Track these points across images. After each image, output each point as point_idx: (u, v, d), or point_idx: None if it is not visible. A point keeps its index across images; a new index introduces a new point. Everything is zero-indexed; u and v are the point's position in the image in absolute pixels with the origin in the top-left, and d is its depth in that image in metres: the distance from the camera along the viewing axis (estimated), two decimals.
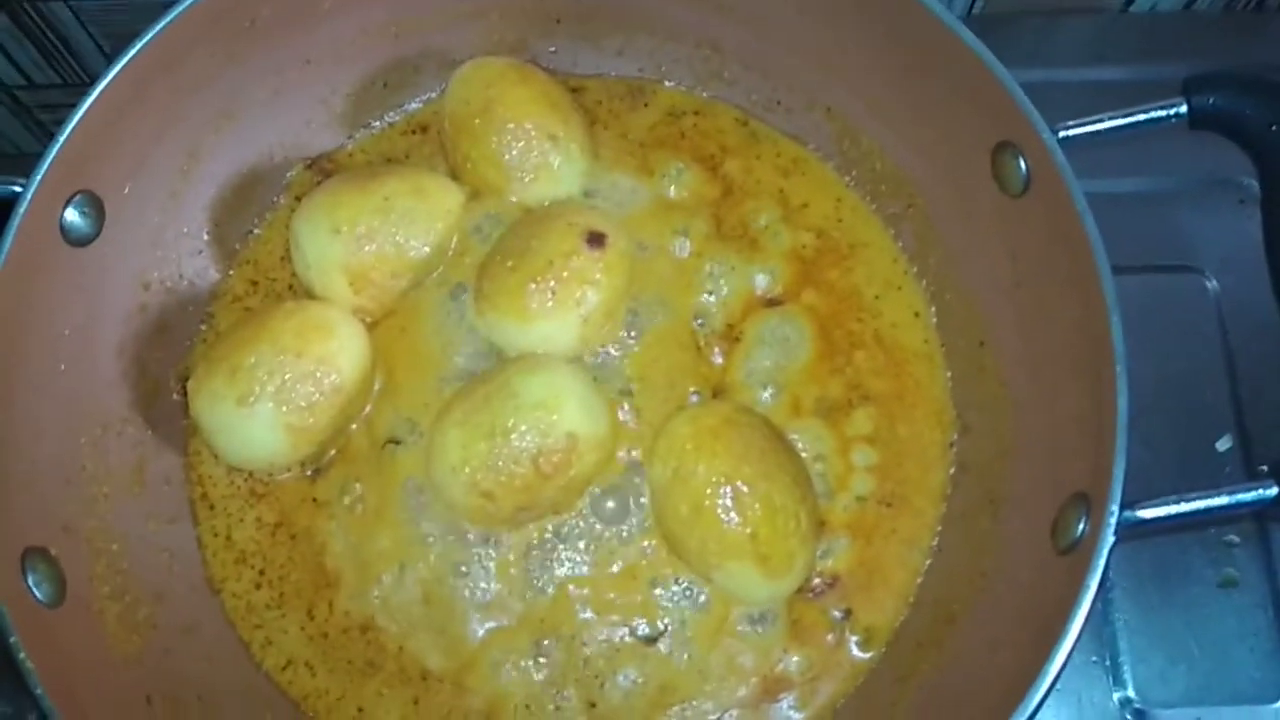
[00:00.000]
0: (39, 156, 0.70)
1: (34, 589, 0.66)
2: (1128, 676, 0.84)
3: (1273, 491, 0.62)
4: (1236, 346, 0.93)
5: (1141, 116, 0.70)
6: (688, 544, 0.73)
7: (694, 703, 0.74)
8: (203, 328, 0.83)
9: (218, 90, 0.80)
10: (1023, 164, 0.72)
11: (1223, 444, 0.89)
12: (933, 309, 0.82)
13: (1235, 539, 0.87)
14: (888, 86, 0.81)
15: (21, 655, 0.61)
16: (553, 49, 0.88)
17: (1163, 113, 0.69)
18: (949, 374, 0.81)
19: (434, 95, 0.88)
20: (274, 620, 0.76)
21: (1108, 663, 0.85)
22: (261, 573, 0.77)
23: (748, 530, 0.71)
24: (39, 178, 0.69)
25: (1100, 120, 0.70)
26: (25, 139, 1.23)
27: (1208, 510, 0.63)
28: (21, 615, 0.63)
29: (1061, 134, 0.69)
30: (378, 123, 0.88)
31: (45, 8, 1.04)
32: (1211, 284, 0.95)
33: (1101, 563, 0.61)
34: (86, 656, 0.68)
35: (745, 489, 0.72)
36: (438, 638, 0.75)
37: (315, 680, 0.75)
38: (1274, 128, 0.67)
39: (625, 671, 0.74)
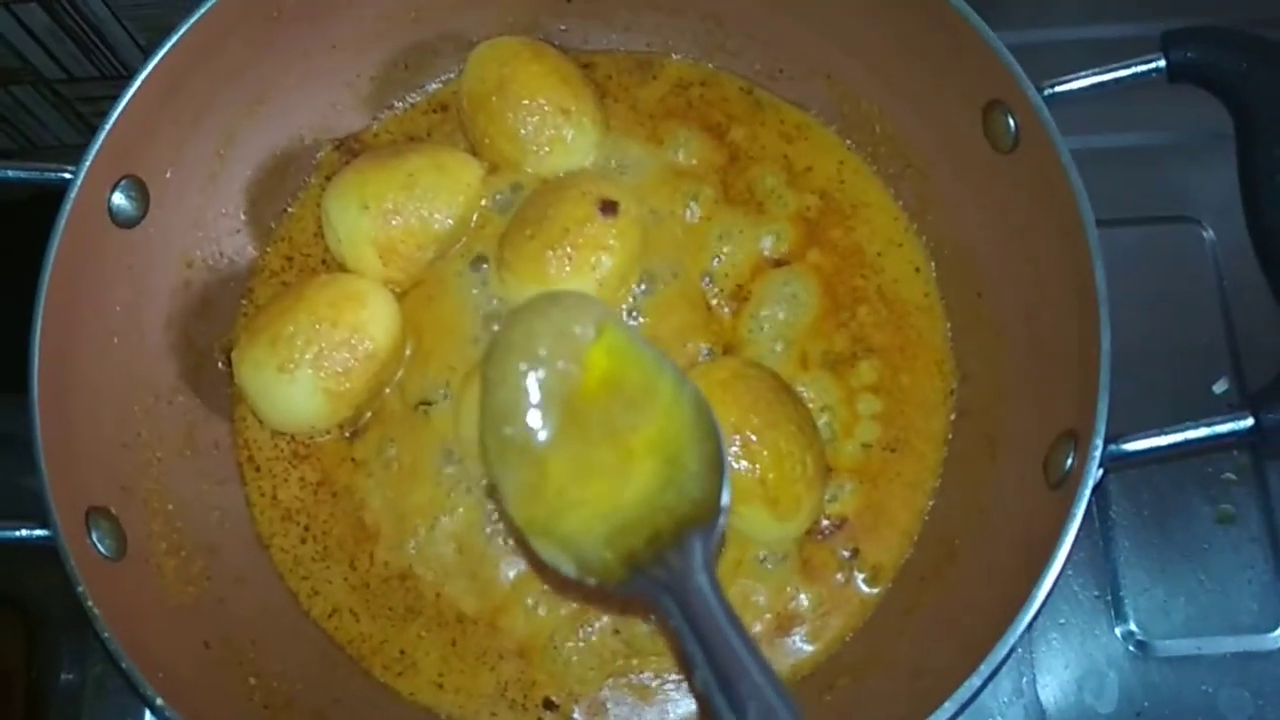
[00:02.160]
0: (81, 147, 0.75)
1: (98, 544, 0.71)
2: (1129, 610, 0.88)
3: (1248, 422, 0.66)
4: (1232, 293, 0.96)
5: (1123, 72, 0.73)
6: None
7: None
8: (243, 302, 0.88)
9: (250, 77, 0.85)
10: (1011, 121, 0.75)
11: (1219, 387, 0.93)
12: (932, 264, 0.86)
13: (1233, 476, 0.91)
14: (884, 52, 0.84)
15: (89, 603, 0.67)
16: (564, 27, 0.92)
17: (1143, 67, 0.73)
18: (949, 325, 0.85)
19: (452, 76, 0.92)
20: (319, 571, 0.81)
21: (1109, 597, 0.89)
22: (306, 528, 0.82)
23: (756, 476, 0.76)
24: (87, 165, 0.74)
25: (1084, 76, 0.73)
26: (66, 131, 1.29)
27: (1189, 442, 0.67)
28: (87, 567, 0.68)
29: (1047, 91, 0.73)
30: (400, 103, 0.93)
31: (82, 4, 1.09)
32: (1208, 233, 0.98)
33: (1087, 493, 0.65)
34: (147, 605, 0.73)
35: (754, 437, 0.76)
36: (471, 583, 0.80)
37: (360, 626, 0.80)
38: (1248, 78, 0.70)
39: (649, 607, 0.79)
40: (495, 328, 0.84)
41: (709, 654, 0.52)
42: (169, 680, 0.67)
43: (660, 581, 0.55)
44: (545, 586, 0.79)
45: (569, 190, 0.84)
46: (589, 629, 0.78)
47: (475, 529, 0.81)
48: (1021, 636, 0.65)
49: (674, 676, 0.78)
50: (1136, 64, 0.73)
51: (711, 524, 0.58)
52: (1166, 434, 0.67)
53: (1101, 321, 0.67)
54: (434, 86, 0.93)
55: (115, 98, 0.76)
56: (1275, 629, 0.87)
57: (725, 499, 0.58)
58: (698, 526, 0.57)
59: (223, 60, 0.82)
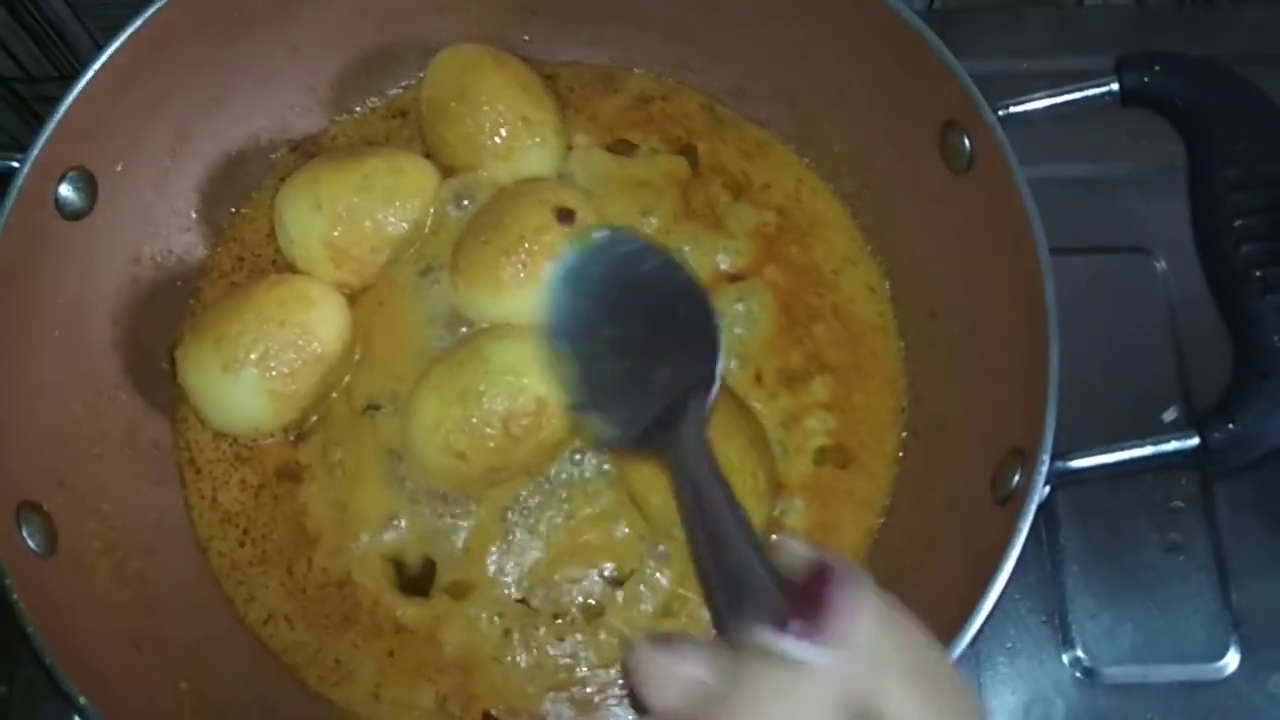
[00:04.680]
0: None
1: (27, 539, 0.69)
2: (1076, 636, 0.88)
3: (1194, 441, 0.66)
4: (1183, 324, 0.97)
5: (1077, 94, 0.74)
6: (651, 501, 0.77)
7: None
8: (191, 301, 0.87)
9: (207, 75, 0.84)
10: (967, 142, 0.76)
11: (1169, 415, 0.93)
12: (887, 284, 0.86)
13: (1180, 504, 0.91)
14: (844, 73, 0.85)
15: (14, 597, 0.65)
16: (527, 38, 0.92)
17: (1097, 90, 0.73)
18: (902, 344, 0.85)
19: (413, 81, 0.92)
20: (257, 576, 0.79)
21: (1057, 623, 0.88)
22: (245, 532, 0.81)
23: None
24: (34, 153, 0.73)
25: (1038, 98, 0.74)
26: (22, 131, 1.26)
27: (1135, 460, 0.67)
28: (16, 563, 0.66)
29: (1001, 112, 0.74)
30: (359, 107, 0.92)
31: (43, 2, 1.08)
32: (1160, 264, 0.99)
33: (1033, 508, 0.65)
34: (77, 604, 0.71)
35: None
36: (411, 593, 0.78)
37: (295, 633, 0.78)
38: (1200, 103, 0.71)
39: (593, 617, 0.78)
40: (445, 334, 0.83)
41: (700, 508, 0.58)
42: (96, 681, 0.65)
43: (665, 439, 0.63)
44: (491, 597, 0.78)
45: (526, 198, 0.83)
46: (531, 642, 0.77)
47: (419, 538, 0.79)
48: (967, 653, 0.65)
49: (616, 691, 0.77)
50: (1090, 86, 0.74)
51: (707, 391, 0.66)
52: (1113, 451, 0.67)
53: (1050, 339, 0.67)
54: (394, 92, 0.93)
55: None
56: (1222, 658, 0.87)
57: (719, 368, 0.67)
58: (695, 394, 0.65)
59: (180, 56, 0.81)
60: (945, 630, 0.65)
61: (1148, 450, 0.66)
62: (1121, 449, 0.67)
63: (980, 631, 0.65)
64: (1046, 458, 0.65)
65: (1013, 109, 0.74)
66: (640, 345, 0.71)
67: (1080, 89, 0.74)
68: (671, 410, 0.65)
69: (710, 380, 0.66)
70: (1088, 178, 1.03)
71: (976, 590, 0.65)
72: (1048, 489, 0.66)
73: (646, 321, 0.71)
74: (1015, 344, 0.72)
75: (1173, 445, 0.66)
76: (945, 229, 0.81)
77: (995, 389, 0.75)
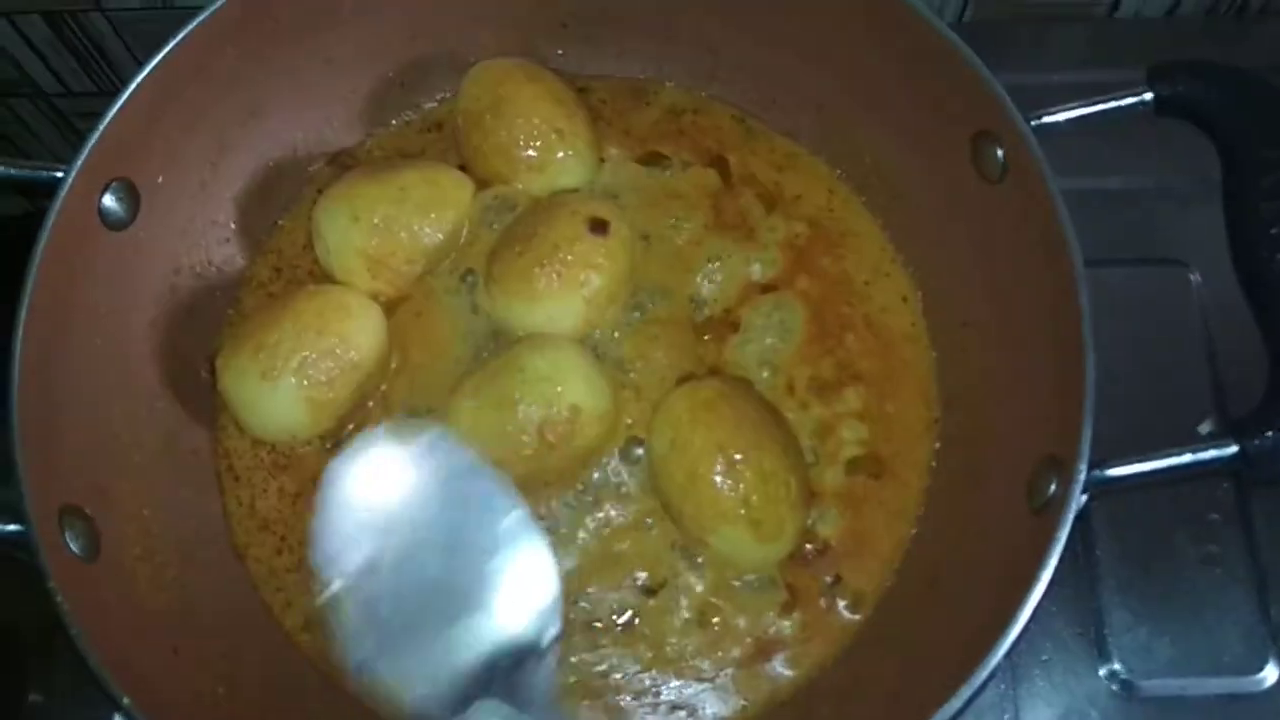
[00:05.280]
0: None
1: (70, 543, 0.70)
2: (1113, 649, 0.87)
3: (1232, 449, 0.66)
4: (1218, 337, 0.96)
5: (1110, 104, 0.74)
6: (685, 510, 0.77)
7: (692, 661, 0.77)
8: (229, 311, 0.88)
9: (246, 88, 0.85)
10: (999, 151, 0.76)
11: (1204, 428, 0.92)
12: (919, 293, 0.87)
13: (1217, 516, 0.90)
14: (875, 83, 0.85)
15: (59, 598, 0.66)
16: (560, 51, 0.93)
17: (1130, 100, 0.74)
18: (934, 353, 0.85)
19: (448, 95, 0.93)
20: (293, 583, 0.80)
21: (1093, 636, 0.88)
22: (283, 539, 0.81)
23: (740, 496, 0.75)
24: (78, 164, 0.74)
25: (1072, 108, 0.74)
26: (61, 145, 1.29)
27: (1172, 469, 0.66)
28: (59, 565, 0.67)
29: (1034, 121, 0.74)
30: (395, 120, 0.93)
31: (84, 18, 1.10)
32: (1195, 277, 0.99)
33: (1070, 517, 0.65)
34: (117, 608, 0.72)
35: (738, 457, 0.76)
36: None
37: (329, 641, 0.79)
38: (1234, 112, 0.71)
39: (627, 625, 0.78)
40: (480, 344, 0.84)
41: None
42: (137, 684, 0.66)
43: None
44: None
45: (560, 209, 0.84)
46: (565, 650, 0.77)
47: None
48: (1003, 665, 0.65)
49: (650, 700, 0.77)
50: (1124, 96, 0.74)
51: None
52: (1150, 460, 0.66)
53: (1085, 346, 0.67)
54: (429, 105, 0.94)
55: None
56: (1260, 670, 0.86)
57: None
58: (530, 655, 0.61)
59: (218, 70, 0.82)
60: (980, 642, 0.65)
61: (1186, 458, 0.66)
62: (1159, 457, 0.67)
63: (1016, 644, 0.64)
64: (1084, 466, 0.65)
65: (1045, 119, 0.74)
66: (444, 587, 0.59)
67: (1113, 99, 0.74)
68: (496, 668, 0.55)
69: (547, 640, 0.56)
70: (1121, 190, 1.03)
71: (1012, 601, 0.65)
72: (1085, 497, 0.66)
73: (451, 553, 0.60)
74: (1049, 353, 0.72)
75: (1211, 454, 0.66)
76: (978, 239, 0.81)
77: (1029, 398, 0.75)
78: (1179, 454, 0.66)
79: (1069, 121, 0.74)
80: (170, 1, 1.07)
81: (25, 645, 1.00)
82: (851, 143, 0.89)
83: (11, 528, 0.67)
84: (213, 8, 0.79)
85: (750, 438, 0.77)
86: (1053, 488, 0.68)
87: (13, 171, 0.75)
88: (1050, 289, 0.72)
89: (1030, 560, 0.65)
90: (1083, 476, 0.65)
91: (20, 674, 0.96)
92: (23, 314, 0.71)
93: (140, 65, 0.78)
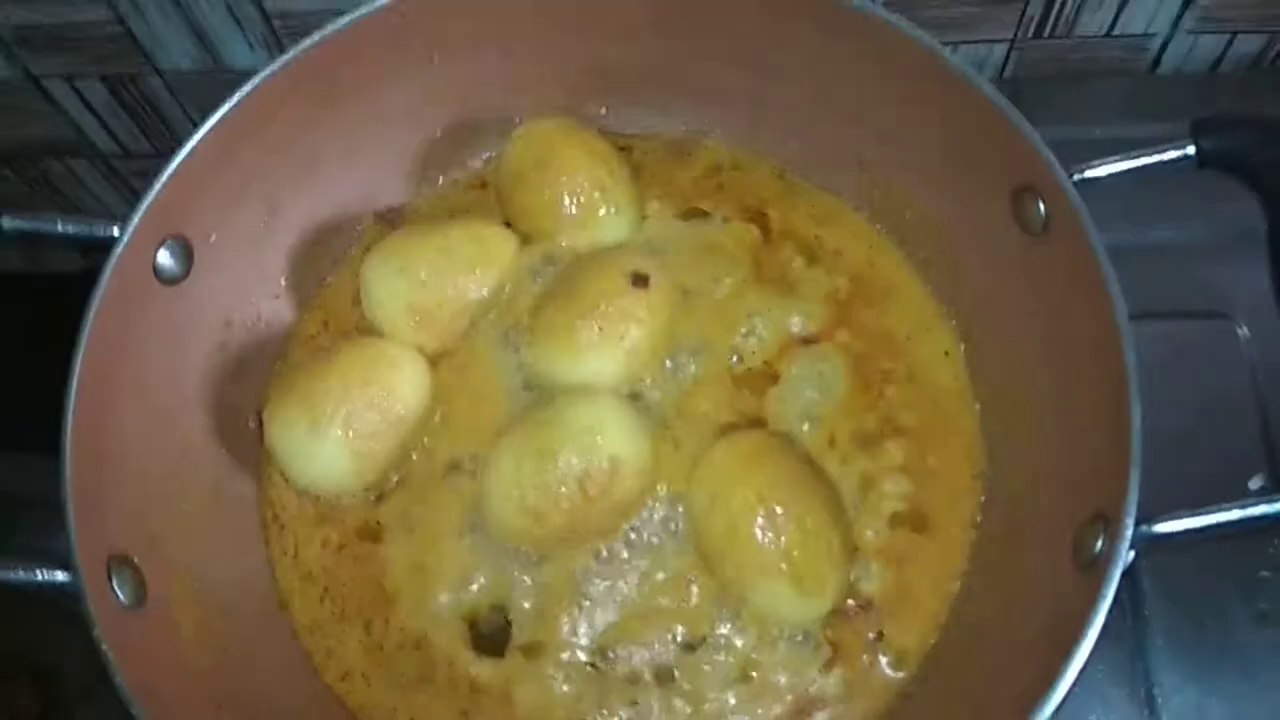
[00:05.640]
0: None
1: (117, 591, 0.71)
2: (1162, 711, 0.85)
3: None
4: (1267, 390, 0.95)
5: (1153, 158, 0.74)
6: (725, 565, 0.77)
7: (731, 718, 0.77)
8: (277, 364, 0.89)
9: (298, 149, 0.87)
10: (1041, 205, 0.76)
11: (1254, 483, 0.91)
12: (962, 347, 0.86)
13: (1267, 574, 0.88)
14: (916, 139, 0.86)
15: (104, 646, 0.66)
16: (603, 111, 0.95)
17: (1173, 154, 0.74)
18: (978, 407, 0.84)
19: (494, 154, 0.94)
20: (335, 633, 0.81)
21: (1142, 696, 0.86)
22: (326, 589, 0.82)
23: (781, 551, 0.75)
24: (134, 222, 0.76)
25: (1114, 162, 0.74)
26: (117, 203, 1.33)
27: (1222, 525, 0.65)
28: (105, 614, 0.68)
29: (1076, 176, 0.74)
30: (442, 178, 0.95)
31: (142, 82, 1.14)
32: (1242, 330, 0.98)
33: (1118, 574, 0.64)
34: (162, 658, 0.73)
35: (780, 511, 0.75)
36: (486, 653, 0.79)
37: (371, 691, 0.79)
38: (1275, 165, 0.71)
39: (666, 680, 0.77)
40: (523, 397, 0.84)
41: None
42: None
43: None
44: (563, 658, 0.78)
45: (602, 263, 0.85)
46: (603, 704, 0.77)
47: (493, 597, 0.80)
48: None
49: None
50: (1167, 149, 0.74)
51: None
52: (1199, 515, 0.65)
53: (1132, 399, 0.67)
54: (476, 163, 0.96)
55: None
56: None
57: None
58: None
59: (272, 131, 0.84)
60: (1026, 703, 0.64)
61: (1235, 514, 0.65)
62: (1209, 513, 0.66)
63: (1062, 705, 0.63)
64: (1130, 522, 0.64)
65: (1088, 173, 0.74)
66: None
67: (1156, 152, 0.74)
68: None
69: None
70: (1165, 243, 1.02)
71: (1058, 659, 0.64)
72: (1132, 554, 0.65)
73: None
74: (1095, 408, 0.72)
75: (1262, 509, 0.65)
76: (1021, 293, 0.81)
77: (1075, 453, 0.74)
78: (1229, 509, 0.65)
79: (1112, 176, 0.74)
80: (225, 65, 1.10)
81: (70, 693, 1.01)
82: (892, 198, 0.89)
83: (59, 577, 0.69)
84: (268, 71, 0.81)
85: (792, 491, 0.76)
86: (1099, 544, 0.67)
87: (70, 229, 0.77)
88: (1095, 344, 0.72)
89: (1077, 619, 0.64)
90: (1129, 533, 0.64)
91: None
92: (77, 366, 0.73)
93: (196, 126, 0.80)
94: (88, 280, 0.75)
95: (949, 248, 0.87)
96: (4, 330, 1.17)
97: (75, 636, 0.69)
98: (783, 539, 0.75)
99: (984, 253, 0.84)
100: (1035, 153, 0.75)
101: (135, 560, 0.74)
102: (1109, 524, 0.66)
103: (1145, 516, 0.65)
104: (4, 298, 1.22)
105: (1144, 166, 0.74)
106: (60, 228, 0.78)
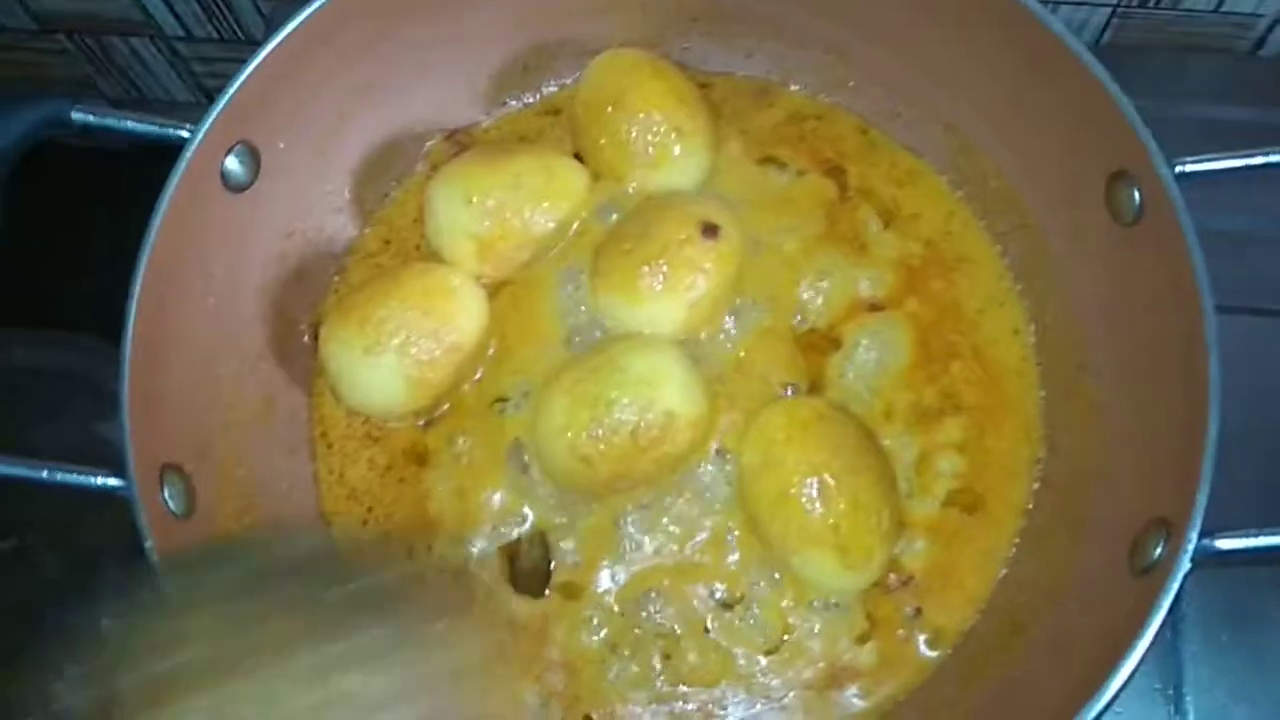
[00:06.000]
0: (190, 105, 0.77)
1: (168, 500, 0.72)
2: (1190, 707, 0.85)
3: None
4: None
5: (1262, 159, 0.71)
6: (771, 528, 0.77)
7: (761, 679, 0.77)
8: (336, 279, 0.88)
9: (371, 60, 0.85)
10: (1137, 195, 0.73)
11: None
12: (1032, 327, 0.84)
13: None
14: (1009, 108, 0.83)
15: (154, 557, 0.67)
16: (686, 46, 0.92)
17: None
18: (1042, 393, 0.83)
19: (568, 81, 0.92)
20: (375, 555, 0.81)
21: (1170, 691, 0.86)
22: (370, 509, 0.82)
23: (830, 521, 0.74)
24: (206, 125, 0.75)
25: (1220, 159, 0.71)
26: (178, 88, 1.31)
27: None
28: (156, 522, 0.69)
29: (1179, 169, 0.71)
30: (514, 102, 0.93)
31: None
32: None
33: (1175, 586, 0.63)
34: None
35: (831, 482, 0.75)
36: (525, 590, 0.79)
37: None
38: None
39: (700, 634, 0.78)
40: (579, 336, 0.83)
41: None
42: None
43: None
44: (601, 603, 0.78)
45: (672, 209, 0.83)
46: (637, 652, 0.77)
47: (536, 535, 0.80)
48: None
49: (719, 710, 0.77)
50: (1272, 153, 0.70)
51: None
52: (1265, 535, 0.64)
53: (1210, 411, 0.65)
54: (549, 89, 0.93)
55: (232, 61, 0.77)
56: None
57: None
58: None
59: (347, 40, 0.82)
60: (1066, 706, 0.63)
61: None
62: (1271, 534, 0.64)
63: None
64: (1195, 535, 0.63)
65: (1190, 167, 0.71)
66: None
67: (1267, 153, 0.70)
68: None
69: None
70: (1246, 232, 0.99)
71: (1104, 666, 0.63)
72: (1190, 566, 0.64)
73: None
74: (1168, 410, 0.70)
75: None
76: (1102, 280, 0.79)
77: (1141, 454, 0.73)
78: None
79: (1217, 172, 0.71)
80: None
81: (105, 575, 1.03)
82: (978, 165, 0.86)
83: (114, 482, 0.69)
84: None
85: (846, 463, 0.76)
86: (1159, 551, 0.66)
87: (140, 127, 0.76)
88: (1176, 343, 0.70)
89: (1128, 625, 0.64)
90: (1193, 545, 0.63)
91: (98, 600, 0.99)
92: (141, 269, 0.72)
93: (264, 24, 0.78)
94: (136, 158, 0.73)
95: (1032, 223, 0.84)
96: (51, 202, 1.16)
97: (112, 522, 0.69)
98: (832, 510, 0.74)
99: (1068, 233, 0.82)
100: (1137, 139, 0.72)
101: (187, 469, 0.74)
102: (1171, 532, 0.65)
103: (1208, 530, 0.64)
104: (51, 169, 1.22)
105: (1252, 166, 0.71)
106: (130, 125, 0.76)
